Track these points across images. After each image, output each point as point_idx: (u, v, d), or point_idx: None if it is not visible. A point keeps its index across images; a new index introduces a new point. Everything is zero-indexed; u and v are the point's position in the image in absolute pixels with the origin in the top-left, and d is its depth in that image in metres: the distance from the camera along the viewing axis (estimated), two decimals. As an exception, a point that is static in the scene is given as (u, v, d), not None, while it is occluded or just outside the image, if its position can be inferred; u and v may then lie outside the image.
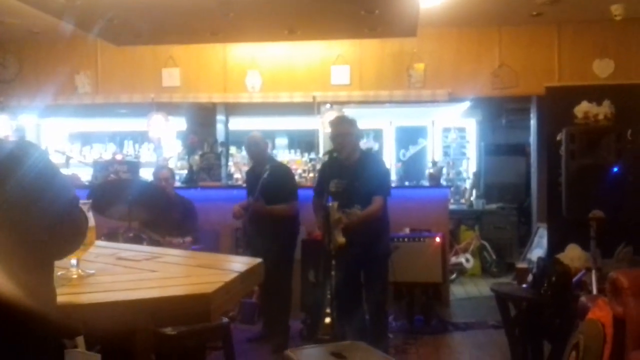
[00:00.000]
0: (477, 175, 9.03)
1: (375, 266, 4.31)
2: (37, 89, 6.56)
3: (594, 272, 4.29)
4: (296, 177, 5.87)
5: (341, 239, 3.91)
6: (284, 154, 8.64)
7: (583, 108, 5.08)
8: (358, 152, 4.40)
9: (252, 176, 4.97)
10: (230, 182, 6.64)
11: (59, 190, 0.95)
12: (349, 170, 4.26)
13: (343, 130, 4.30)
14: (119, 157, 7.13)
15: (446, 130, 9.53)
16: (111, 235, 4.25)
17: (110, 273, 1.63)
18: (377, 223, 4.24)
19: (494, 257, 7.82)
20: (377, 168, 4.41)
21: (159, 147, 7.38)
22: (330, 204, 4.03)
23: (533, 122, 7.16)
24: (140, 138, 8.36)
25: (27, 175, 0.85)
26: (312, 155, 7.72)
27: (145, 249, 2.27)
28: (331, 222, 3.95)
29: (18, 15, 5.47)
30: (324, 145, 7.05)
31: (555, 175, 5.22)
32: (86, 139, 9.10)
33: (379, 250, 4.32)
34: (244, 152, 7.64)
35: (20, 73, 6.74)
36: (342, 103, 6.50)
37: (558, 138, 5.02)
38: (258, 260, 1.80)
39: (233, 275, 1.55)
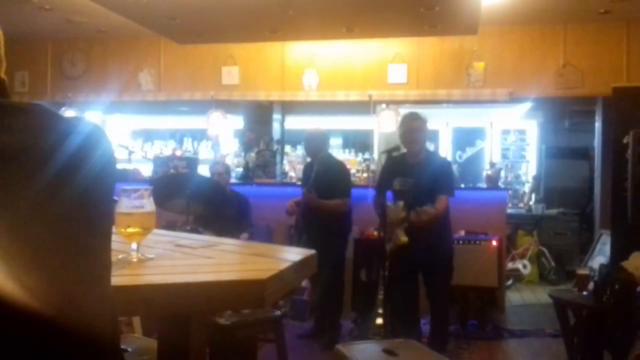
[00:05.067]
0: (537, 179, 8.76)
1: (439, 268, 4.25)
2: (103, 86, 6.81)
3: (660, 281, 4.09)
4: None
5: (404, 238, 3.87)
6: (338, 154, 8.64)
7: (653, 110, 4.88)
8: (424, 151, 4.37)
9: (308, 171, 4.99)
10: (284, 180, 6.70)
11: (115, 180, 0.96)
12: (414, 169, 4.21)
13: (417, 125, 4.28)
14: (178, 153, 7.31)
15: (505, 132, 9.30)
16: (169, 228, 4.37)
17: (169, 258, 1.66)
18: (440, 223, 4.18)
19: (552, 264, 7.57)
20: (443, 167, 4.37)
21: (217, 144, 7.54)
22: (393, 203, 3.99)
23: (598, 125, 6.90)
24: (199, 135, 8.54)
25: (101, 160, 0.85)
26: (367, 155, 7.68)
27: (202, 237, 2.32)
28: (394, 221, 3.90)
29: (87, 14, 5.70)
30: (378, 145, 7.01)
31: (620, 180, 5.03)
32: (148, 136, 9.38)
33: (443, 251, 4.26)
34: (298, 151, 7.70)
35: (87, 70, 7.01)
36: (399, 102, 6.44)
37: (625, 141, 4.84)
38: (312, 251, 1.80)
39: (287, 264, 1.55)
